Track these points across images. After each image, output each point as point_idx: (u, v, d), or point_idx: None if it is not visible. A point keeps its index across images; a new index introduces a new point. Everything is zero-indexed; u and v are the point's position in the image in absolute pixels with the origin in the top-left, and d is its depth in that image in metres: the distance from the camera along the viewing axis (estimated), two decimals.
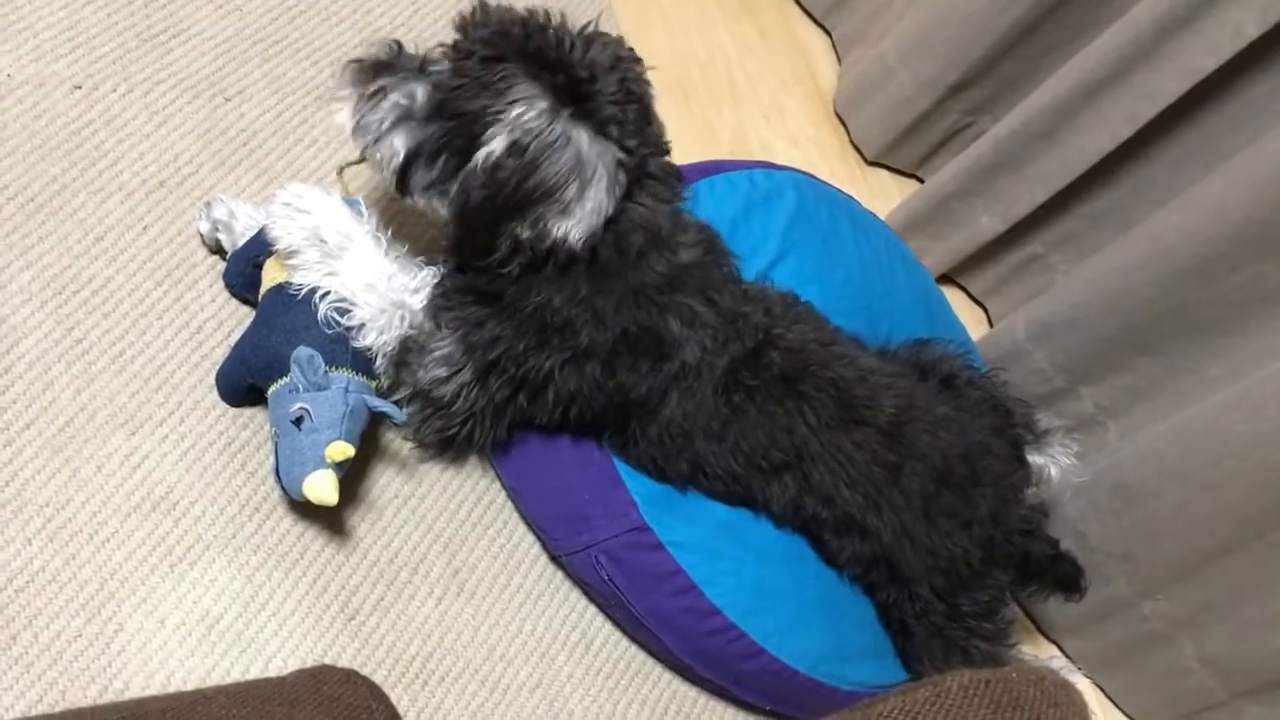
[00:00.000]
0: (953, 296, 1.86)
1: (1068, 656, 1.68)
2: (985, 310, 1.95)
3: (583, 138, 1.13)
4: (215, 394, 1.30)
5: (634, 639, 1.42)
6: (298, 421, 1.18)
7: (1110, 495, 1.53)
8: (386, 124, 1.18)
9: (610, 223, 1.17)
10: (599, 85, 1.14)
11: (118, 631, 1.15)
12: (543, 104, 1.11)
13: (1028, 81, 1.77)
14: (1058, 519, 1.59)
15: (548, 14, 1.17)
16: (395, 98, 1.18)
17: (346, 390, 1.20)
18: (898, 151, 2.01)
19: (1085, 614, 1.60)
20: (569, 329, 1.21)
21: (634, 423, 1.29)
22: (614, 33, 1.22)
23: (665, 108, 1.85)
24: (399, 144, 1.18)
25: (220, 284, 1.36)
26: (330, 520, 1.30)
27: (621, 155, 1.16)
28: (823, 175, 1.66)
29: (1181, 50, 1.46)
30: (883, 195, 1.99)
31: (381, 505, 1.34)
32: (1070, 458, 1.50)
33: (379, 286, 1.22)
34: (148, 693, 1.14)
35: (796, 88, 2.05)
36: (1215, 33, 1.42)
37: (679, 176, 1.28)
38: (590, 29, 1.18)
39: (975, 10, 1.74)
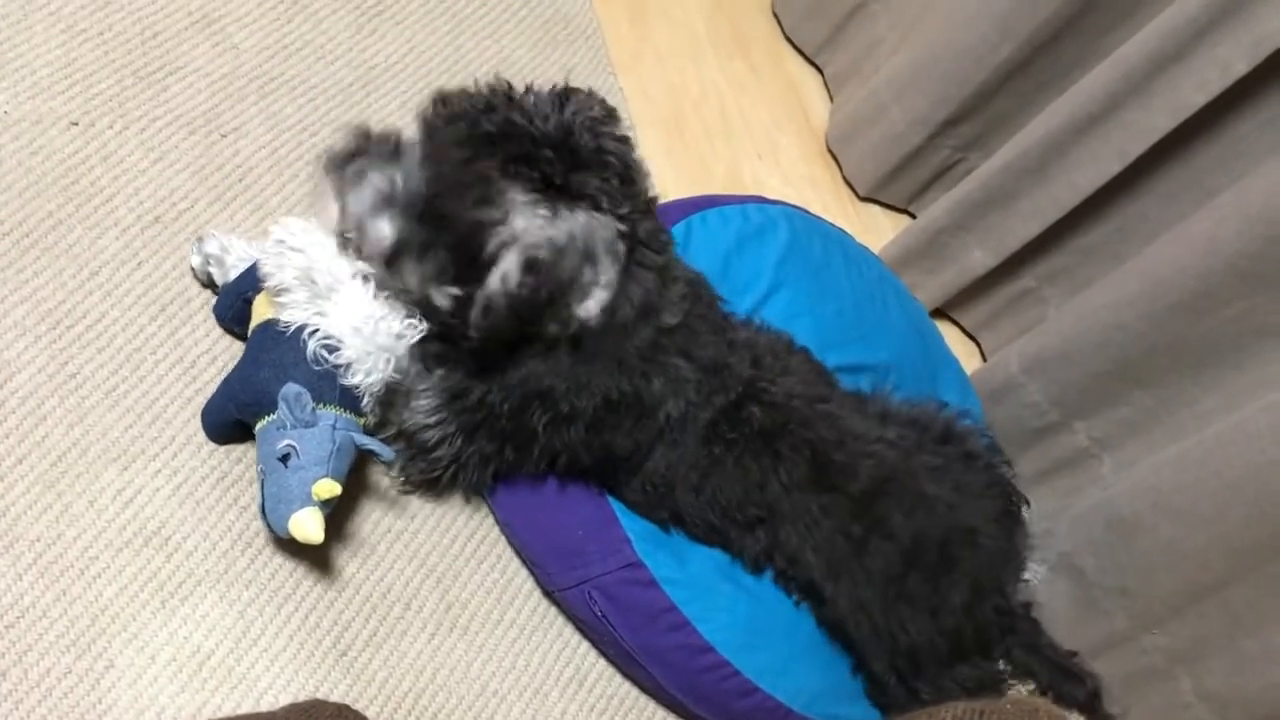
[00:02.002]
0: (946, 331, 1.87)
1: None
2: (978, 344, 1.95)
3: (582, 223, 1.12)
4: None
5: (628, 676, 1.41)
6: (284, 459, 1.17)
7: (1105, 529, 1.53)
8: (369, 206, 1.16)
9: (619, 291, 1.17)
10: (580, 157, 1.13)
11: (108, 668, 1.15)
12: (541, 210, 1.11)
13: (1019, 117, 1.78)
14: (1054, 553, 1.59)
15: (509, 87, 1.17)
16: (375, 180, 1.16)
17: (334, 427, 1.19)
18: (890, 187, 2.02)
19: (1082, 648, 1.59)
20: (549, 396, 1.21)
21: (620, 474, 1.30)
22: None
23: (658, 144, 1.88)
24: (386, 229, 1.16)
25: (214, 319, 1.36)
26: (323, 555, 1.29)
27: (619, 226, 1.15)
28: (816, 211, 1.67)
29: (1171, 87, 1.47)
30: (875, 231, 2.00)
31: (374, 540, 1.33)
32: (1037, 574, 1.51)
33: (365, 330, 1.21)
34: None
35: (789, 124, 2.07)
36: (1205, 70, 1.43)
37: (665, 234, 1.27)
38: (559, 88, 1.17)
39: (967, 47, 1.75)
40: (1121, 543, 1.51)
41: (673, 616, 1.30)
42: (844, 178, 2.06)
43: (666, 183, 1.84)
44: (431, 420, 1.25)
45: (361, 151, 1.17)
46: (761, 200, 1.60)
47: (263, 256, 1.23)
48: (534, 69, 1.82)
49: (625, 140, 1.19)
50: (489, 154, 1.11)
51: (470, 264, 1.14)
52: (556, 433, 1.24)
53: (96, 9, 1.49)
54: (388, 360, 1.23)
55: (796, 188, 1.99)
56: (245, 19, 1.59)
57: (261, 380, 1.21)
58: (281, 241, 1.22)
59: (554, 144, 1.11)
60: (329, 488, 1.15)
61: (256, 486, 1.29)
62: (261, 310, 1.27)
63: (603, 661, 1.40)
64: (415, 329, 1.23)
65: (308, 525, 1.15)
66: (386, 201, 1.16)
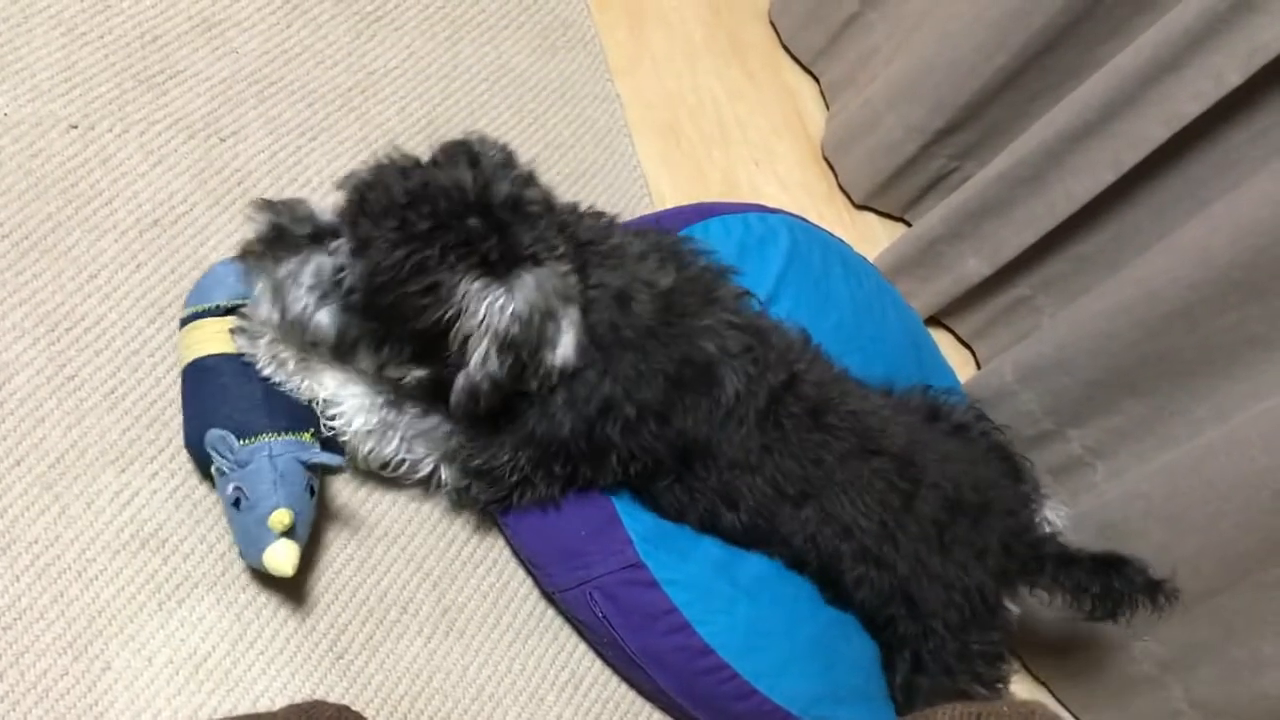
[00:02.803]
0: (941, 339, 1.87)
1: (1057, 699, 1.67)
2: (973, 352, 1.96)
3: (532, 285, 1.14)
4: None
5: (626, 679, 1.41)
6: (236, 503, 1.18)
7: (1097, 536, 1.54)
8: (308, 307, 1.18)
9: (587, 315, 1.20)
10: (504, 217, 1.14)
11: (105, 669, 1.15)
12: (497, 290, 1.12)
13: (1014, 127, 1.79)
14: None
15: (413, 162, 1.17)
16: (306, 279, 1.17)
17: (270, 456, 1.18)
18: (885, 195, 2.03)
19: (1074, 655, 1.60)
20: (614, 407, 1.24)
21: (697, 465, 1.31)
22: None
23: (655, 150, 1.89)
24: (326, 322, 1.18)
25: None
26: (319, 558, 1.30)
27: (563, 269, 1.17)
28: (811, 218, 1.68)
29: (1166, 97, 1.48)
30: (871, 238, 2.01)
31: (371, 543, 1.34)
32: (1063, 518, 1.53)
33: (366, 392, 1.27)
34: None
35: (785, 132, 2.08)
36: (1199, 80, 1.44)
37: (606, 221, 1.30)
38: (461, 150, 1.18)
39: (962, 57, 1.76)
40: (1114, 550, 1.52)
41: (673, 618, 1.30)
42: (840, 185, 2.07)
43: (663, 189, 1.85)
44: (499, 460, 1.28)
45: (281, 238, 1.17)
46: (762, 209, 1.61)
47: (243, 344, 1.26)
48: (532, 75, 1.82)
49: (531, 178, 1.21)
50: (423, 244, 1.11)
51: (432, 348, 1.17)
52: (633, 437, 1.26)
53: (97, 12, 1.49)
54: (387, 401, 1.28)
55: (792, 195, 2.00)
56: (245, 23, 1.60)
57: (194, 431, 1.22)
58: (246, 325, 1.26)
59: (482, 215, 1.13)
60: (280, 518, 1.14)
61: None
62: (185, 345, 1.28)
63: (599, 665, 1.41)
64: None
65: (278, 558, 1.15)
66: (322, 296, 1.17)
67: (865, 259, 1.70)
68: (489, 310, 1.12)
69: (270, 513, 1.15)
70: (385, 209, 1.13)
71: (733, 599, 1.34)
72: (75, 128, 1.41)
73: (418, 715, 1.27)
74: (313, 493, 1.22)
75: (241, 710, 1.19)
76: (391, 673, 1.28)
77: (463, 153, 1.17)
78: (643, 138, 1.90)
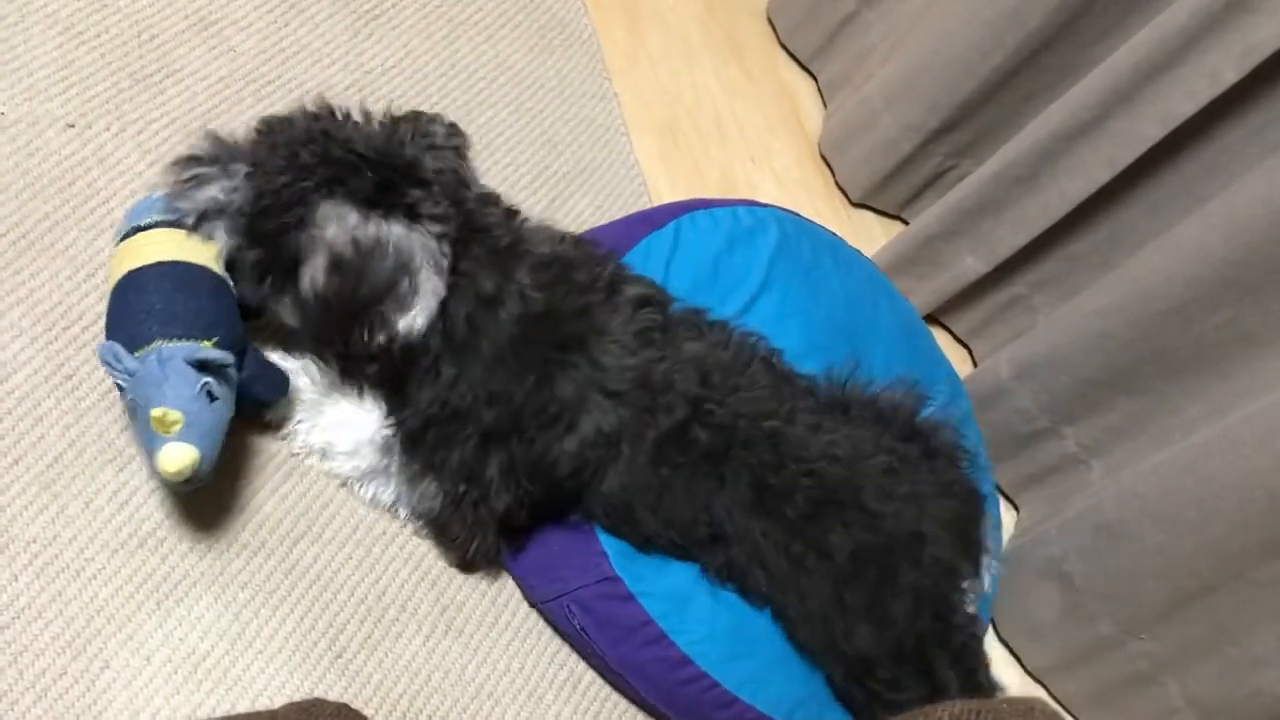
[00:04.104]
0: (937, 336, 1.88)
1: (1053, 697, 1.68)
2: (969, 350, 1.97)
3: (397, 232, 1.14)
4: None
5: (613, 685, 1.41)
6: (133, 414, 1.15)
7: (1093, 535, 1.54)
8: (201, 212, 1.20)
9: (450, 297, 1.19)
10: (400, 173, 1.16)
11: (103, 669, 1.15)
12: (352, 216, 1.14)
13: (1010, 126, 1.80)
14: (1042, 559, 1.60)
15: (331, 113, 1.21)
16: (211, 191, 1.20)
17: (159, 360, 1.12)
18: (882, 193, 2.03)
19: (1070, 654, 1.60)
20: (469, 417, 1.24)
21: (585, 496, 1.31)
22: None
23: (653, 149, 1.89)
24: (221, 235, 1.21)
25: None
26: (318, 557, 1.30)
27: (438, 232, 1.17)
28: (809, 216, 1.68)
29: (1160, 96, 1.48)
30: (868, 236, 2.02)
31: (369, 543, 1.34)
32: (989, 574, 1.51)
33: (362, 433, 1.31)
34: None
35: (782, 130, 2.08)
36: (1194, 79, 1.44)
37: (512, 215, 1.29)
38: (392, 113, 1.22)
39: (958, 56, 1.77)
40: (1109, 549, 1.52)
41: (650, 630, 1.30)
42: (837, 184, 2.07)
43: (660, 187, 1.86)
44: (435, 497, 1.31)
45: (204, 159, 1.21)
46: (752, 203, 1.61)
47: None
48: (529, 74, 1.83)
49: (455, 149, 1.23)
50: (306, 176, 1.14)
51: (287, 270, 1.18)
52: (493, 454, 1.25)
53: (93, 11, 1.49)
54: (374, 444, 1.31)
55: (790, 193, 2.00)
56: (242, 22, 1.60)
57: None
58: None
59: (372, 165, 1.15)
60: (160, 416, 1.09)
61: (254, 487, 1.30)
62: (109, 280, 1.24)
63: (592, 667, 1.41)
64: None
65: (165, 460, 1.09)
66: (219, 210, 1.20)
67: (858, 251, 1.70)
68: (337, 228, 1.13)
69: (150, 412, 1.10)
70: (285, 142, 1.17)
71: (712, 609, 1.33)
72: (72, 126, 1.41)
73: (416, 714, 1.28)
74: (213, 398, 1.14)
75: (241, 709, 1.20)
76: (390, 671, 1.28)
77: (392, 118, 1.22)
78: (640, 136, 1.90)
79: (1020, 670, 1.69)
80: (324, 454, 1.33)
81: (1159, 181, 1.60)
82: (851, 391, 1.42)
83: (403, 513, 1.36)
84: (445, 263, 1.17)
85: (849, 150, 2.02)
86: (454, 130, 1.25)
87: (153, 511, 1.24)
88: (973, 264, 1.81)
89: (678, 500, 1.28)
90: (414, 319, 1.16)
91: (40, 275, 1.30)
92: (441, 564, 1.37)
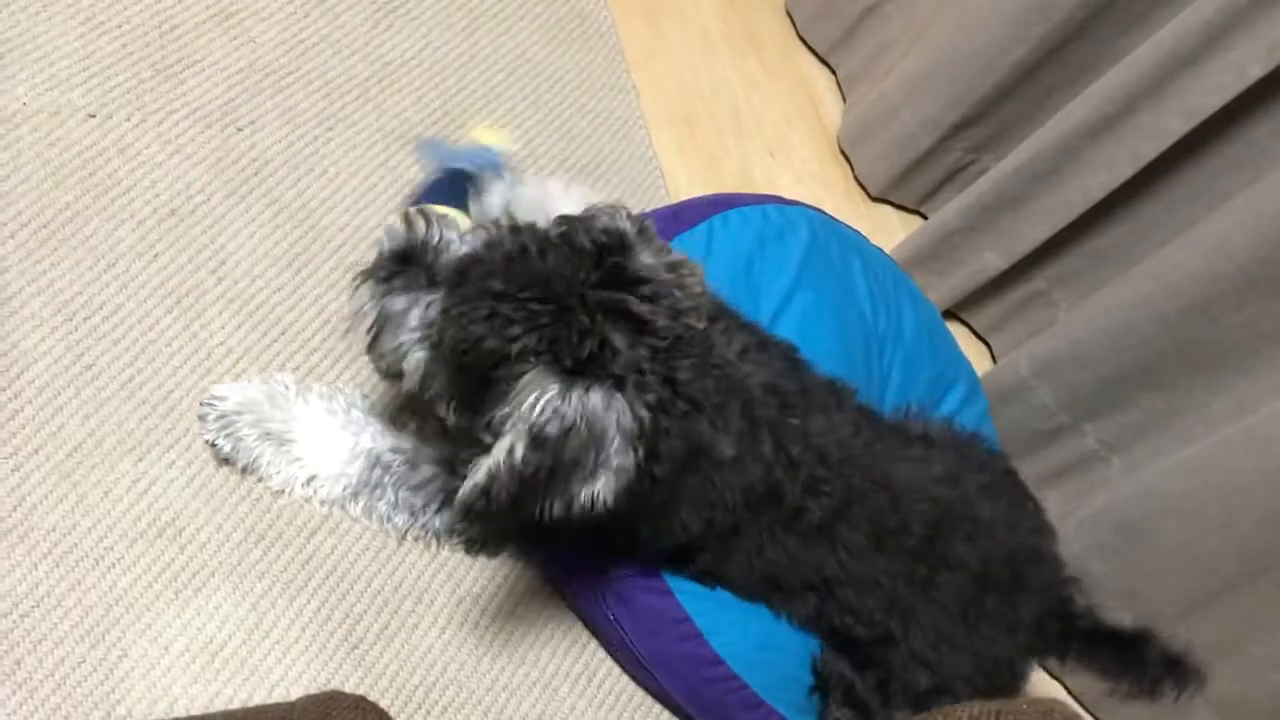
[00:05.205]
0: (957, 332, 1.87)
1: (1072, 694, 1.67)
2: (989, 346, 1.96)
3: (596, 405, 1.04)
4: None
5: (633, 678, 1.41)
6: None
7: (1114, 532, 1.53)
8: (404, 345, 1.14)
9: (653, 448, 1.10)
10: (604, 335, 1.04)
11: (122, 657, 1.15)
12: (553, 387, 1.03)
13: (1030, 120, 1.79)
14: (1062, 556, 1.59)
15: (520, 247, 1.07)
16: (412, 321, 1.13)
17: None
18: (901, 188, 2.02)
19: None
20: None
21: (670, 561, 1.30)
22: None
23: (671, 141, 1.89)
24: (415, 364, 1.14)
25: (229, 311, 1.37)
26: (335, 548, 1.30)
27: (642, 404, 1.06)
28: (827, 210, 1.67)
29: (1185, 90, 1.47)
30: (886, 231, 2.01)
31: (385, 534, 1.34)
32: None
33: (342, 450, 1.29)
34: (152, 719, 1.14)
35: (801, 124, 2.07)
36: (1219, 73, 1.43)
37: (713, 359, 1.16)
38: (604, 227, 1.09)
39: (978, 50, 1.76)
40: (1130, 546, 1.52)
41: (685, 627, 1.30)
42: (855, 178, 2.06)
43: (679, 180, 1.85)
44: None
45: (407, 263, 1.14)
46: (780, 200, 1.60)
47: (213, 437, 1.27)
48: (549, 65, 1.82)
49: (667, 254, 1.11)
50: (501, 334, 1.05)
51: (475, 411, 1.12)
52: (617, 530, 1.22)
53: (114, 1, 1.49)
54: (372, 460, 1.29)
55: (808, 186, 1.99)
56: (262, 13, 1.60)
57: None
58: (219, 414, 1.26)
59: (584, 317, 1.04)
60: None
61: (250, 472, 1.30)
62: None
63: (612, 658, 1.41)
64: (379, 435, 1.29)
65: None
66: (420, 339, 1.13)
67: (882, 251, 1.69)
68: (537, 401, 1.03)
69: None
70: (479, 291, 1.06)
71: (746, 611, 1.33)
72: (93, 117, 1.41)
73: (432, 705, 1.28)
74: None
75: (258, 699, 1.20)
76: (406, 663, 1.28)
77: (582, 230, 1.08)
78: (658, 129, 1.89)
79: (1041, 670, 1.68)
80: (309, 482, 1.29)
81: (1183, 177, 1.59)
82: (915, 418, 1.46)
83: (399, 520, 1.32)
84: (641, 438, 1.07)
85: (868, 144, 2.02)
86: (644, 228, 1.11)
87: (171, 502, 1.24)
88: (992, 260, 1.80)
89: (782, 566, 1.26)
90: (598, 493, 1.06)
91: (61, 265, 1.30)
92: (459, 556, 1.37)
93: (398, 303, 1.13)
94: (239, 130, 1.50)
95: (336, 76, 1.61)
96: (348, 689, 1.24)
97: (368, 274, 1.15)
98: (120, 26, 1.48)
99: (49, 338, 1.26)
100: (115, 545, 1.20)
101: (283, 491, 1.29)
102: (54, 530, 1.18)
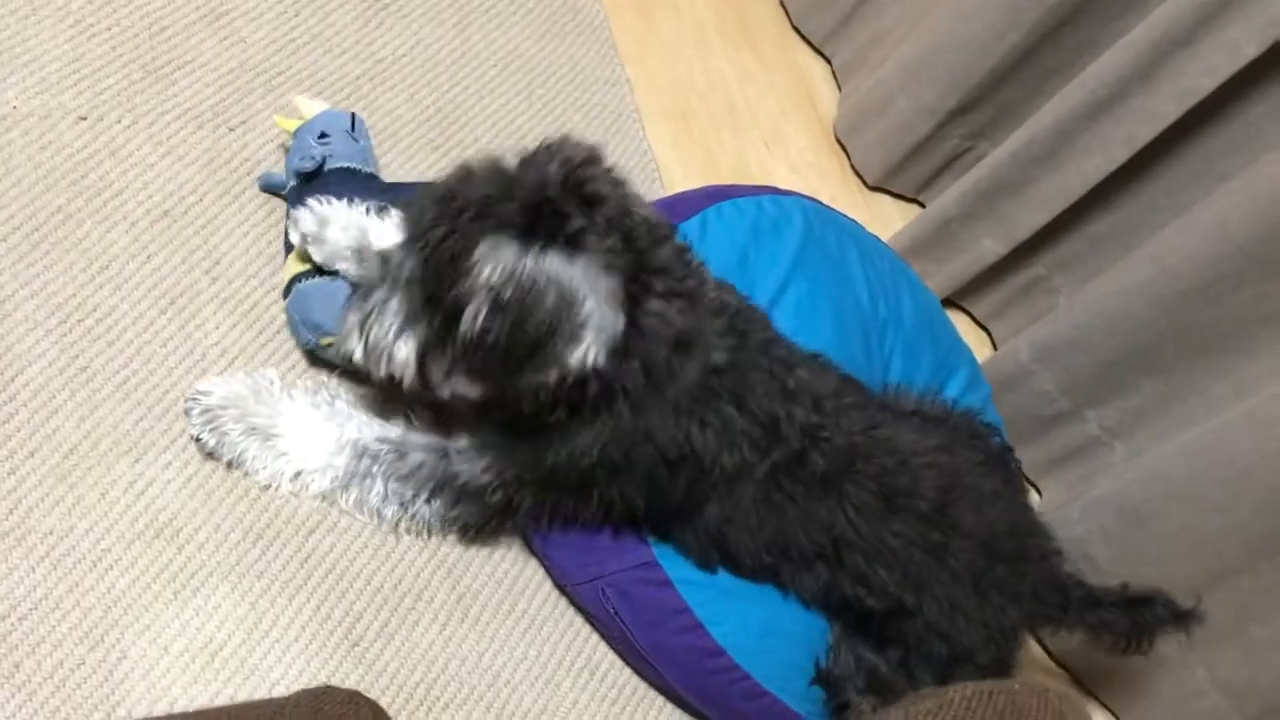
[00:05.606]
0: (956, 320, 1.86)
1: (1076, 678, 1.66)
2: (989, 333, 1.95)
3: (556, 266, 1.06)
4: None
5: (635, 670, 1.41)
6: None
7: (1116, 517, 1.53)
8: (391, 334, 1.15)
9: (628, 341, 1.11)
10: (558, 204, 1.07)
11: (121, 659, 1.15)
12: (507, 252, 1.06)
13: (1027, 105, 1.78)
14: (1065, 542, 1.58)
15: (484, 165, 1.13)
16: (394, 306, 1.15)
17: None
18: (899, 177, 2.01)
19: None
20: (610, 464, 1.19)
21: (674, 523, 1.29)
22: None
23: (665, 134, 1.88)
24: (405, 351, 1.15)
25: (223, 311, 1.36)
26: (334, 546, 1.30)
27: (606, 264, 1.08)
28: (824, 200, 1.66)
29: (1180, 72, 1.46)
30: (884, 220, 2.00)
31: (385, 531, 1.34)
32: None
33: (328, 442, 1.28)
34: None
35: (796, 114, 2.07)
36: (1213, 54, 1.42)
37: (686, 254, 1.20)
38: (534, 150, 1.13)
39: (973, 35, 1.75)
40: (1133, 531, 1.51)
41: (685, 618, 1.30)
42: (853, 167, 2.05)
43: (674, 173, 1.85)
44: (487, 477, 1.26)
45: (375, 285, 1.17)
46: (775, 191, 1.59)
47: (198, 431, 1.26)
48: (541, 60, 1.82)
49: (611, 179, 1.13)
50: (467, 222, 1.08)
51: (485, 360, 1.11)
52: (615, 483, 1.22)
53: (104, 4, 1.49)
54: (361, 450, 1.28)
55: (804, 177, 1.99)
56: (252, 13, 1.60)
57: None
58: (204, 409, 1.26)
59: (529, 195, 1.07)
60: None
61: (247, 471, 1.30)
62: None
63: (614, 651, 1.40)
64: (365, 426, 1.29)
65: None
66: (405, 321, 1.15)
67: (879, 239, 1.68)
68: (494, 268, 1.06)
69: None
70: (434, 200, 1.11)
71: (747, 600, 1.33)
72: (84, 119, 1.41)
73: (433, 702, 1.27)
74: None
75: (257, 698, 1.19)
76: (407, 660, 1.28)
77: (529, 152, 1.13)
78: (653, 122, 1.89)
79: (1043, 652, 1.68)
80: (296, 477, 1.29)
81: (1180, 159, 1.58)
82: (907, 396, 1.48)
83: (389, 512, 1.31)
84: (619, 295, 1.09)
85: (864, 133, 2.01)
86: (592, 152, 1.14)
87: (168, 503, 1.24)
88: (991, 246, 1.80)
89: (789, 523, 1.26)
90: (586, 353, 1.08)
91: (54, 268, 1.30)
92: (458, 552, 1.36)
93: (375, 297, 1.16)
94: (231, 130, 1.49)
95: (328, 75, 1.61)
96: (348, 686, 1.23)
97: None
98: (110, 29, 1.48)
99: (43, 340, 1.26)
100: (113, 547, 1.20)
101: (270, 486, 1.29)
102: (51, 533, 1.18)
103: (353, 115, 1.44)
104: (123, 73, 1.46)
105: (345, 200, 1.33)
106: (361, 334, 1.16)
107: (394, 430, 1.30)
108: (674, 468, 1.21)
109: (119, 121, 1.43)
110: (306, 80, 1.58)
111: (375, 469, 1.28)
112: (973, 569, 1.28)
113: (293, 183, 1.39)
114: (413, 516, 1.32)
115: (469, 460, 1.26)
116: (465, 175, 1.12)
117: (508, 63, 1.79)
